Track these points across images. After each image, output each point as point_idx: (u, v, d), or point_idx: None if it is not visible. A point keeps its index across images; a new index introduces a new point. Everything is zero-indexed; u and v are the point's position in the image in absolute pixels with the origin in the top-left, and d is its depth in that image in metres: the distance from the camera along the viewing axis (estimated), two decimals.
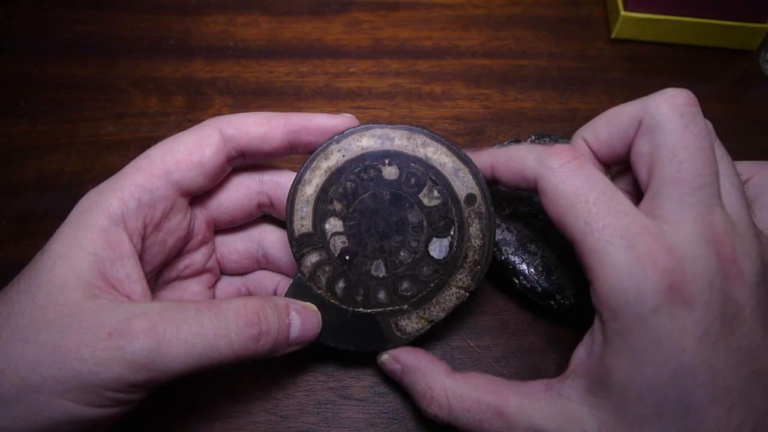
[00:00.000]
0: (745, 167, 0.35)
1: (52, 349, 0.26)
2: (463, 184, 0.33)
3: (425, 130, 0.33)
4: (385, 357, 0.35)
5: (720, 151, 0.30)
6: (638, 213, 0.28)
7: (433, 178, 0.33)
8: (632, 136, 0.30)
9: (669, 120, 0.28)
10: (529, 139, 0.43)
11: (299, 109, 0.50)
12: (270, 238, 0.37)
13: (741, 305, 0.27)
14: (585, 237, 0.28)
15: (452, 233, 0.33)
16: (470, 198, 0.33)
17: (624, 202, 0.28)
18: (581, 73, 0.53)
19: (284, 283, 0.37)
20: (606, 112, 0.32)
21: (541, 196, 0.30)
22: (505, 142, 0.43)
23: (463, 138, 0.49)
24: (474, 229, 0.33)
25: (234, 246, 0.38)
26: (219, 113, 0.49)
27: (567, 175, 0.29)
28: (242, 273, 0.39)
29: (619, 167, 0.34)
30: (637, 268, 0.26)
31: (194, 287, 0.36)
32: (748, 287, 0.27)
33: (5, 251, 0.42)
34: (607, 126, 0.31)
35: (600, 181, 0.29)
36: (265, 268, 0.39)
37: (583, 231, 0.28)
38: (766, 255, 0.29)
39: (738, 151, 0.48)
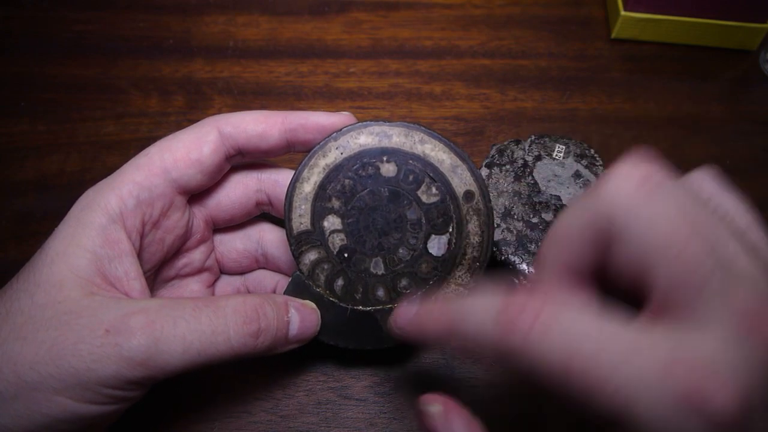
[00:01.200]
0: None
1: (50, 346, 0.26)
2: (462, 181, 0.33)
3: (423, 127, 0.33)
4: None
5: (711, 184, 0.25)
6: (647, 343, 0.21)
7: (431, 174, 0.33)
8: (602, 249, 0.24)
9: (641, 209, 0.22)
10: (530, 139, 0.43)
11: (299, 109, 0.49)
12: (269, 237, 0.37)
13: None
14: (603, 411, 0.21)
15: (451, 230, 0.33)
16: (468, 195, 0.33)
17: (621, 342, 0.21)
18: (581, 73, 0.53)
19: (284, 282, 0.37)
20: (555, 232, 0.25)
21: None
22: (505, 142, 0.43)
23: (463, 138, 0.49)
24: (472, 225, 0.33)
25: (233, 245, 0.38)
26: (219, 113, 0.49)
27: (535, 353, 0.22)
28: (242, 272, 0.39)
29: None
30: (680, 417, 0.20)
31: (193, 286, 0.36)
32: None
33: (5, 251, 0.42)
34: (565, 250, 0.25)
35: (578, 333, 0.22)
36: (264, 268, 0.39)
37: (597, 405, 0.21)
38: None
39: (738, 151, 0.49)
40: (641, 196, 0.22)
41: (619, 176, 0.23)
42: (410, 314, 0.29)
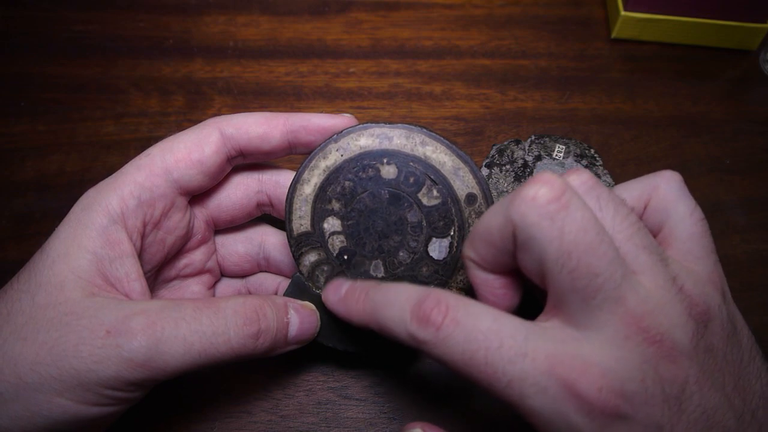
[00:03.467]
0: (638, 190, 0.31)
1: (51, 347, 0.26)
2: (464, 184, 0.33)
3: (424, 129, 0.33)
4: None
5: (610, 208, 0.27)
6: (538, 342, 0.25)
7: (432, 177, 0.33)
8: (513, 250, 0.27)
9: (540, 229, 0.25)
10: (530, 139, 0.43)
11: (299, 109, 0.50)
12: (271, 241, 0.37)
13: (684, 379, 0.25)
14: (500, 398, 0.25)
15: (452, 233, 0.33)
16: (471, 197, 0.33)
17: (516, 340, 0.25)
18: (581, 73, 0.53)
19: (285, 284, 0.37)
20: (477, 228, 0.28)
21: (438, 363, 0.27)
22: (505, 142, 0.43)
23: (463, 138, 0.49)
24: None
25: (235, 249, 0.38)
26: (219, 113, 0.49)
27: (445, 345, 0.25)
28: (243, 275, 0.39)
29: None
30: (562, 408, 0.24)
31: (194, 287, 0.36)
32: (686, 356, 0.25)
33: (5, 251, 0.42)
34: (485, 246, 0.28)
35: (480, 330, 0.25)
36: (266, 271, 0.39)
37: (495, 393, 0.25)
38: (695, 301, 0.26)
39: (738, 151, 0.49)
40: (545, 216, 0.25)
41: (532, 190, 0.25)
42: (339, 294, 0.32)
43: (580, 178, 0.27)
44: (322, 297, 0.33)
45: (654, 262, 0.26)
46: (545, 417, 0.24)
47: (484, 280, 0.29)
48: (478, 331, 0.25)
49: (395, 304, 0.28)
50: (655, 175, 0.31)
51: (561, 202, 0.25)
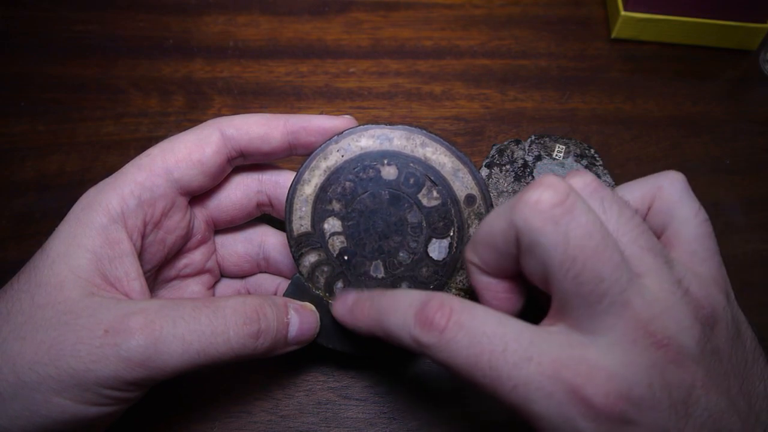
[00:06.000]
0: (641, 191, 0.30)
1: (49, 347, 0.26)
2: (463, 185, 0.33)
3: (424, 130, 0.33)
4: None
5: (614, 210, 0.26)
6: (543, 346, 0.24)
7: (432, 178, 0.33)
8: (516, 254, 0.26)
9: (544, 234, 0.24)
10: (530, 139, 0.43)
11: (299, 109, 0.50)
12: (272, 241, 0.37)
13: (691, 383, 0.24)
14: (505, 402, 0.24)
15: (452, 234, 0.33)
16: (470, 198, 0.33)
17: (521, 344, 0.24)
18: (581, 73, 0.53)
19: (284, 285, 0.37)
20: (479, 232, 0.28)
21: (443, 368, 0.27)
22: (505, 142, 0.43)
23: (463, 138, 0.49)
24: (474, 230, 0.33)
25: (234, 249, 0.38)
26: (219, 113, 0.49)
27: (448, 349, 0.25)
28: (243, 276, 0.39)
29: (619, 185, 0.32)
30: (568, 414, 0.23)
31: (194, 287, 0.36)
32: (693, 360, 0.25)
33: (5, 251, 0.42)
34: (488, 250, 0.27)
35: (484, 334, 0.25)
36: (265, 271, 0.39)
37: (500, 398, 0.24)
38: (700, 304, 0.26)
39: (738, 151, 0.49)
40: (549, 220, 0.24)
41: (536, 194, 0.25)
42: (347, 305, 0.32)
43: (584, 181, 0.27)
44: (333, 311, 0.33)
45: (659, 264, 0.26)
46: (551, 422, 0.24)
47: (487, 284, 0.29)
48: (482, 334, 0.25)
49: (399, 309, 0.27)
50: (659, 176, 0.31)
51: (565, 206, 0.24)
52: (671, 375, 0.24)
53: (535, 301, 0.30)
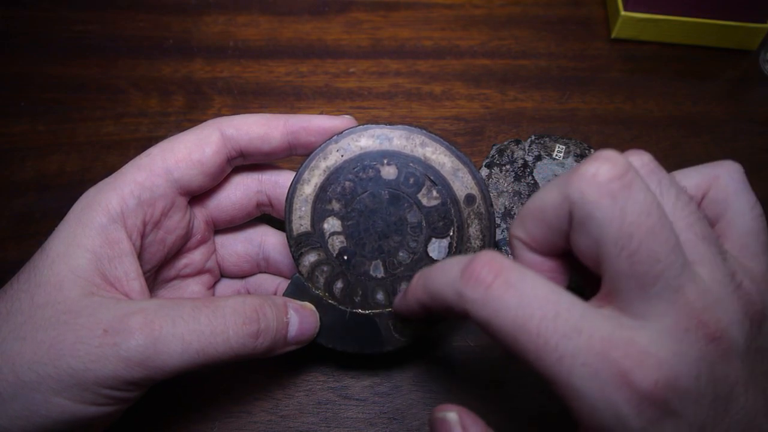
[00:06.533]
0: (696, 178, 0.29)
1: (49, 346, 0.26)
2: (463, 185, 0.33)
3: (424, 130, 0.33)
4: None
5: (672, 193, 0.25)
6: (594, 321, 0.23)
7: (431, 178, 0.33)
8: (568, 230, 0.25)
9: (600, 208, 0.23)
10: (530, 139, 0.43)
11: (299, 109, 0.50)
12: (272, 241, 0.37)
13: (734, 380, 0.24)
14: (546, 373, 0.23)
15: (451, 234, 0.33)
16: (469, 198, 0.33)
17: (573, 314, 0.23)
18: (581, 73, 0.53)
19: (284, 285, 0.37)
20: (529, 206, 0.27)
21: (483, 330, 0.25)
22: (505, 142, 0.43)
23: (463, 138, 0.49)
24: (473, 229, 0.33)
25: (234, 249, 0.38)
26: (219, 113, 0.49)
27: (493, 306, 0.24)
28: (242, 276, 0.39)
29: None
30: (611, 396, 0.22)
31: (194, 287, 0.36)
32: (740, 358, 0.24)
33: (5, 251, 0.42)
34: (538, 225, 0.26)
35: (535, 297, 0.24)
36: (265, 272, 0.39)
37: (541, 368, 0.23)
38: (752, 299, 0.25)
39: (738, 151, 0.49)
40: (606, 194, 0.23)
41: (593, 167, 0.24)
42: (401, 293, 0.32)
43: (642, 160, 0.26)
44: (393, 306, 0.33)
45: (713, 254, 0.25)
46: (591, 402, 0.22)
47: (532, 261, 0.27)
48: (533, 296, 0.23)
49: (446, 270, 0.27)
50: (716, 165, 0.29)
51: (623, 181, 0.23)
52: (719, 369, 0.23)
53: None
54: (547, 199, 0.25)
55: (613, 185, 0.23)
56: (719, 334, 0.23)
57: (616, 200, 0.23)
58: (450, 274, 0.26)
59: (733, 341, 0.24)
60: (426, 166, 0.33)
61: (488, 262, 0.24)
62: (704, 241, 0.25)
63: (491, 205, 0.33)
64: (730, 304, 0.24)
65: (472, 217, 0.33)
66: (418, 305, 0.29)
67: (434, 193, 0.33)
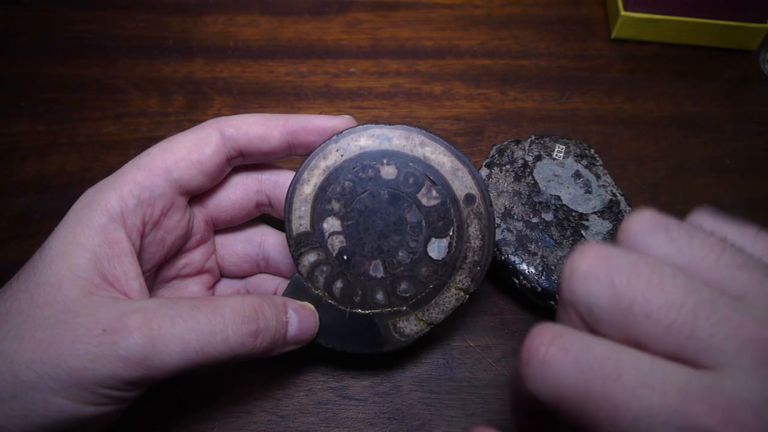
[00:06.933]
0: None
1: (47, 346, 0.26)
2: (462, 184, 0.33)
3: (423, 130, 0.33)
4: None
5: (682, 237, 0.23)
6: (666, 374, 0.20)
7: (431, 177, 0.33)
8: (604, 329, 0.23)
9: (593, 293, 0.22)
10: (530, 139, 0.43)
11: (299, 109, 0.50)
12: (271, 242, 0.37)
13: None
14: None
15: (451, 233, 0.33)
16: (469, 198, 0.33)
17: (640, 369, 0.21)
18: (581, 73, 0.53)
19: (284, 286, 0.37)
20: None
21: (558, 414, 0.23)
22: (505, 142, 0.43)
23: (463, 138, 0.49)
24: (473, 229, 0.33)
25: (234, 249, 0.38)
26: (219, 113, 0.49)
27: (552, 377, 0.22)
28: (242, 276, 0.39)
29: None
30: None
31: (193, 287, 0.36)
32: None
33: (5, 251, 0.42)
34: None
35: (594, 357, 0.21)
36: (265, 272, 0.39)
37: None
38: None
39: (738, 151, 0.49)
40: (591, 279, 0.22)
41: (569, 266, 0.23)
42: None
43: (642, 219, 0.24)
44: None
45: (757, 278, 0.22)
46: None
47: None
48: (592, 359, 0.21)
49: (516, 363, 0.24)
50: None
51: (602, 260, 0.22)
52: None
53: None
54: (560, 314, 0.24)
55: (593, 269, 0.22)
56: None
57: (599, 280, 0.22)
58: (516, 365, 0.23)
59: None
60: (425, 165, 0.33)
61: (539, 333, 0.22)
62: (741, 269, 0.22)
63: (491, 205, 0.33)
64: None
65: (472, 216, 0.33)
66: (523, 415, 0.27)
67: (434, 192, 0.33)
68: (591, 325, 0.23)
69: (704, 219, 0.25)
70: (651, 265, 0.22)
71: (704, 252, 0.23)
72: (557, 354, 0.22)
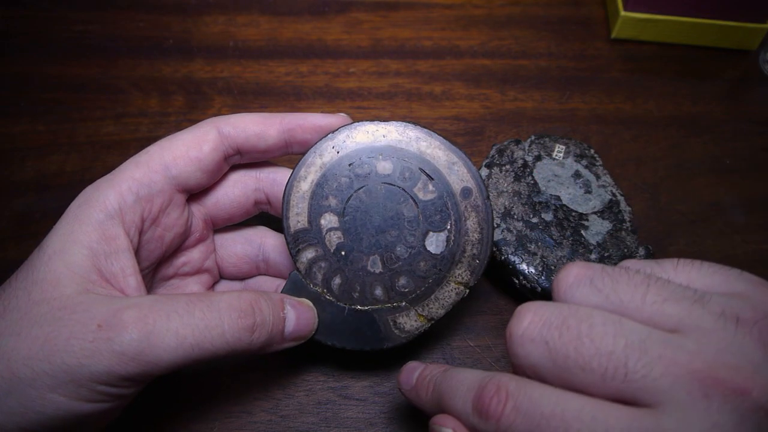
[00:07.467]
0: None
1: (43, 342, 0.26)
2: (458, 178, 0.33)
3: (418, 125, 0.34)
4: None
5: (607, 284, 0.24)
6: (608, 420, 0.22)
7: (427, 172, 0.33)
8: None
9: (532, 355, 0.23)
10: (530, 139, 0.43)
11: (299, 109, 0.50)
12: (270, 242, 0.37)
13: None
14: None
15: (449, 227, 0.33)
16: (466, 191, 0.33)
17: (584, 421, 0.22)
18: (581, 73, 0.53)
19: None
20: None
21: None
22: (505, 142, 0.43)
23: (463, 138, 0.49)
24: (471, 222, 0.33)
25: (233, 249, 0.38)
26: (219, 113, 0.49)
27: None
28: (242, 278, 0.39)
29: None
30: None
31: (193, 287, 0.36)
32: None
33: (5, 251, 0.42)
34: None
35: (542, 416, 0.22)
36: (265, 273, 0.39)
37: None
38: (761, 326, 0.22)
39: (738, 151, 0.49)
40: (527, 341, 0.24)
41: (508, 331, 0.24)
42: (410, 383, 0.31)
43: (566, 276, 0.25)
44: (398, 385, 0.32)
45: (686, 307, 0.23)
46: None
47: None
48: (540, 417, 0.22)
49: (458, 395, 0.26)
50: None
51: (534, 323, 0.24)
52: (764, 423, 0.20)
53: None
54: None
55: (528, 332, 0.24)
56: (744, 383, 0.21)
57: (535, 341, 0.23)
58: (463, 402, 0.25)
59: (765, 385, 0.21)
60: (421, 160, 0.33)
61: (496, 391, 0.24)
62: (668, 302, 0.23)
63: (488, 198, 0.33)
64: (739, 345, 0.22)
65: (470, 209, 0.33)
66: (432, 412, 0.29)
67: (430, 186, 0.33)
68: (539, 379, 0.24)
69: (630, 262, 0.27)
70: (580, 317, 0.23)
71: (630, 294, 0.24)
72: (510, 414, 0.23)
